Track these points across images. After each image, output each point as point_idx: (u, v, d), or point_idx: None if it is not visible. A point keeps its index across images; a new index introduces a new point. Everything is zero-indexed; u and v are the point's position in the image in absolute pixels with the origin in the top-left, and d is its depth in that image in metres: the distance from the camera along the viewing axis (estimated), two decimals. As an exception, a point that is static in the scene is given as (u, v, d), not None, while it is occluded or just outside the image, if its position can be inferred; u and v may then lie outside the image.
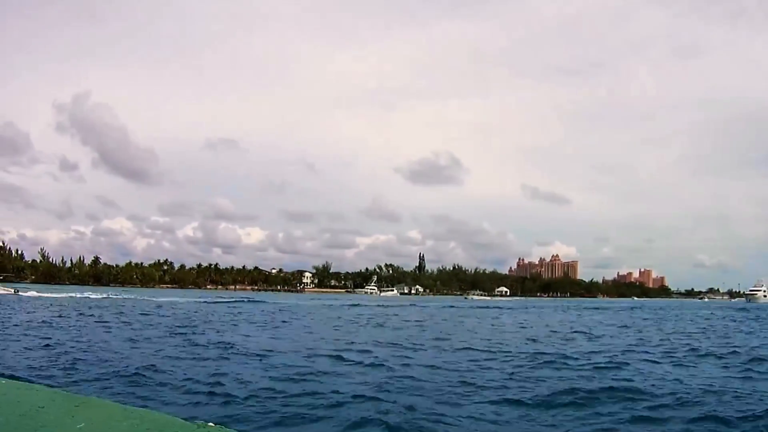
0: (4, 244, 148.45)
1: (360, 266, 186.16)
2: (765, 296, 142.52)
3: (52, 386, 3.40)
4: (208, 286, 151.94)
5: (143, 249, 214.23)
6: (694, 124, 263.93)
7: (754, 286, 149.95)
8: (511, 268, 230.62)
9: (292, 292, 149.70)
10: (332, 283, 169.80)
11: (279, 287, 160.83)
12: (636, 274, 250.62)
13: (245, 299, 66.18)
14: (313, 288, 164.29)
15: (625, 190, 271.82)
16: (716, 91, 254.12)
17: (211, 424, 1.85)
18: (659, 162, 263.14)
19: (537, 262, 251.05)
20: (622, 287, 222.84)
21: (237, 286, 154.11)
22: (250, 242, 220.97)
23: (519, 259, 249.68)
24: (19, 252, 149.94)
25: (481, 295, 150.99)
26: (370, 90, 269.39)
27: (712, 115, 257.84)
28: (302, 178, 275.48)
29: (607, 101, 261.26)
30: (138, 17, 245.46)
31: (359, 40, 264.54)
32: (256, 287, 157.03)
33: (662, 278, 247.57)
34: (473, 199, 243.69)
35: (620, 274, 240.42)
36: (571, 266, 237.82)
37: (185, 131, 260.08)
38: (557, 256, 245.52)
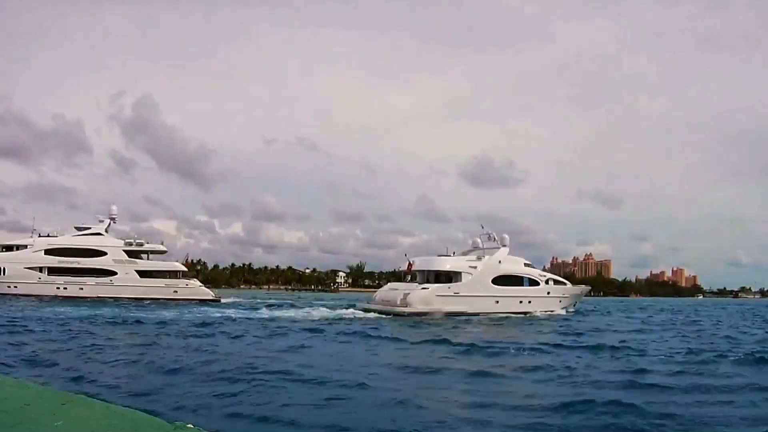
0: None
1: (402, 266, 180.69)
2: None
3: (43, 383, 3.11)
4: (242, 286, 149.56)
5: (182, 248, 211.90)
6: (700, 138, 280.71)
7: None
8: (544, 267, 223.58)
9: (325, 291, 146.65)
10: (366, 283, 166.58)
11: (313, 287, 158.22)
12: (669, 273, 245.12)
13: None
14: (346, 288, 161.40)
15: (656, 194, 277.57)
16: (708, 111, 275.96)
17: (190, 425, 1.84)
18: (685, 169, 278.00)
19: (570, 261, 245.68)
20: (654, 286, 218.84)
21: (271, 286, 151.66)
22: (292, 242, 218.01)
23: (552, 258, 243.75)
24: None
25: None
26: (422, 111, 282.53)
27: (713, 130, 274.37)
28: (354, 180, 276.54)
29: (620, 122, 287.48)
30: (203, 21, 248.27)
31: (416, 72, 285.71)
32: (290, 287, 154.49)
33: (694, 277, 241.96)
34: (519, 200, 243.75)
35: (653, 273, 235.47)
36: (604, 265, 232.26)
37: (240, 132, 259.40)
38: (590, 255, 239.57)
